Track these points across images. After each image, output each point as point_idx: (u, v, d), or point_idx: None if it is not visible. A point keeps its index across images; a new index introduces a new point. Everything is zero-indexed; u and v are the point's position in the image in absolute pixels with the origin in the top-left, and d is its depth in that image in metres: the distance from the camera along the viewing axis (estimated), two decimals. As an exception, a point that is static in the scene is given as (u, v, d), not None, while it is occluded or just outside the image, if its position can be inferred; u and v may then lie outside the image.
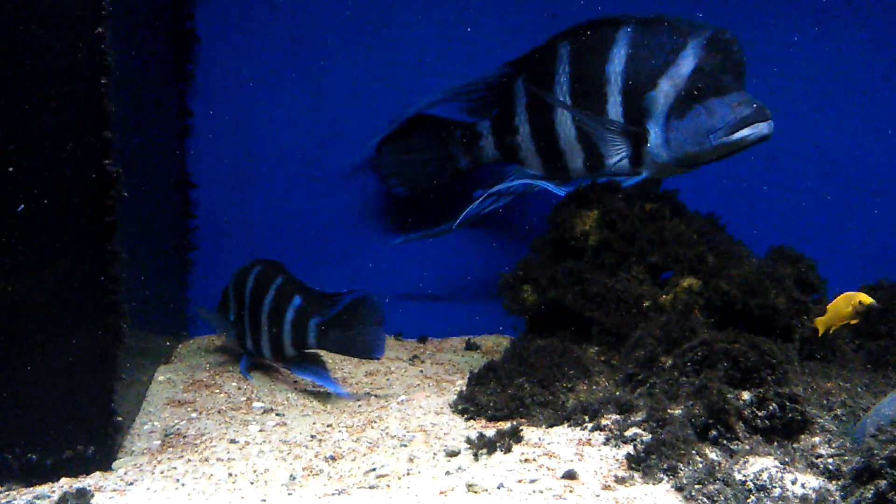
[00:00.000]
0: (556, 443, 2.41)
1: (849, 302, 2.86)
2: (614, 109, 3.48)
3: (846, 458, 2.16)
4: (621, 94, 3.45)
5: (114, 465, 2.49)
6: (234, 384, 3.37)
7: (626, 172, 3.51)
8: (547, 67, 3.68)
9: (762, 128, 3.13)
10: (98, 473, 2.43)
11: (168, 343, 3.87)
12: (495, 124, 3.94)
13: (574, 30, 3.63)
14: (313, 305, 3.42)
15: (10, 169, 2.32)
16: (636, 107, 3.42)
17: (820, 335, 2.98)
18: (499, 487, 2.08)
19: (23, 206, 2.34)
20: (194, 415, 2.99)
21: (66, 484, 2.34)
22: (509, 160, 3.95)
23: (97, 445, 2.46)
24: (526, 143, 3.82)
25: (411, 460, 2.39)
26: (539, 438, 2.45)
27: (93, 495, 2.17)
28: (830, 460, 2.16)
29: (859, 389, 2.71)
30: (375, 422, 2.83)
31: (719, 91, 3.20)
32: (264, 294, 3.53)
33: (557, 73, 3.64)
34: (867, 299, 2.80)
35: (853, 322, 2.87)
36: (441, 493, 2.09)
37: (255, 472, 2.38)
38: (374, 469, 2.34)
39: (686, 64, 3.27)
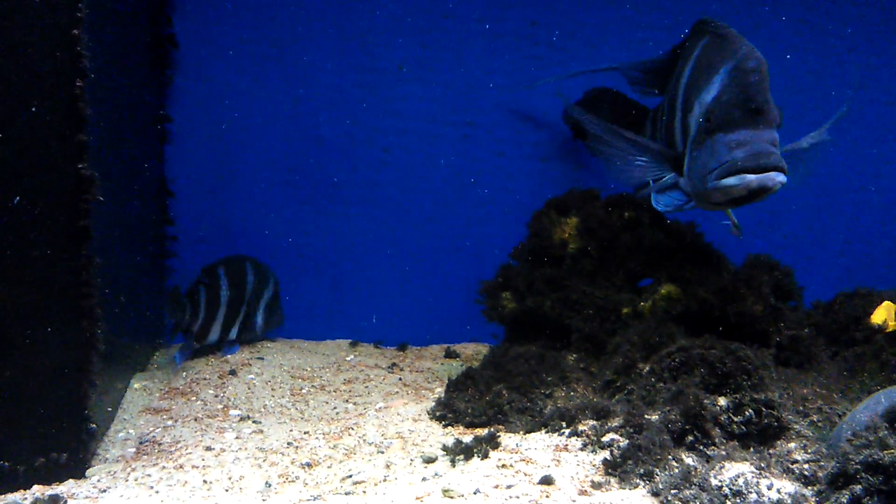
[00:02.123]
0: (534, 448, 2.40)
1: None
2: (678, 126, 3.14)
3: (822, 463, 2.16)
4: (681, 111, 3.12)
5: (87, 472, 2.46)
6: (210, 392, 3.34)
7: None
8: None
9: (749, 180, 2.63)
10: (71, 481, 2.40)
11: (144, 350, 3.83)
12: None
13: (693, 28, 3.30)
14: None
15: (-17, 172, 2.30)
16: (685, 127, 3.07)
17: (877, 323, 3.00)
18: (475, 493, 2.07)
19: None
20: (170, 422, 2.96)
21: (38, 491, 2.31)
22: None
23: (70, 452, 2.43)
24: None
25: (388, 467, 2.38)
26: (516, 444, 2.44)
27: (65, 502, 2.14)
28: (806, 466, 2.17)
29: (835, 396, 2.72)
30: (353, 429, 2.82)
31: (727, 126, 2.72)
32: None
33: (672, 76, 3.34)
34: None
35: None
36: (417, 498, 2.08)
37: (230, 479, 2.36)
38: (350, 476, 2.32)
39: (713, 90, 2.86)
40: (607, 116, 3.47)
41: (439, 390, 3.37)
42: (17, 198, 2.33)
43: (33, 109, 2.32)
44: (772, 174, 2.62)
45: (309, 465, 2.46)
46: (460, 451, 2.37)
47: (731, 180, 2.67)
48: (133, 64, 3.44)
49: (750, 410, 2.30)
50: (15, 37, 2.30)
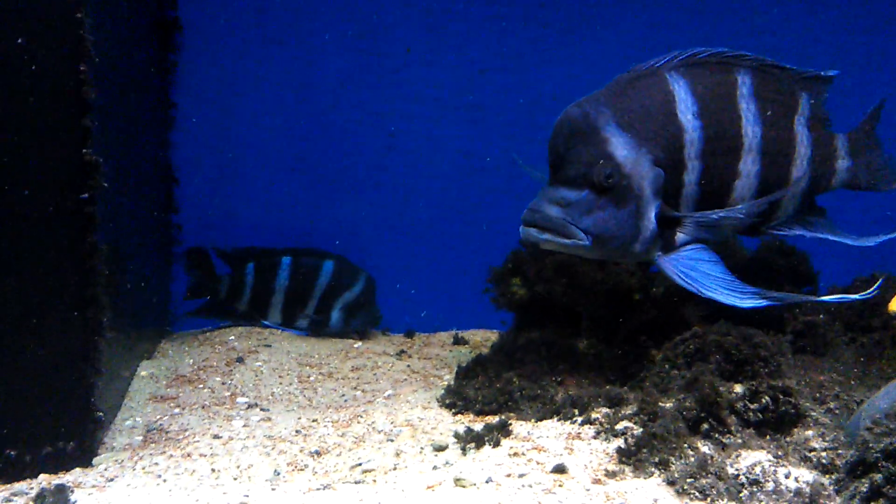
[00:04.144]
0: (546, 437, 2.36)
1: None
2: None
3: (840, 451, 2.13)
4: None
5: (94, 461, 2.43)
6: (217, 379, 3.32)
7: None
8: None
9: (520, 231, 2.70)
10: (78, 469, 2.37)
11: (151, 338, 3.81)
12: None
13: None
14: None
15: (-14, 158, 2.26)
16: None
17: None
18: (487, 482, 2.04)
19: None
20: (177, 410, 2.94)
21: (44, 480, 2.28)
22: None
23: (77, 441, 2.40)
24: None
25: (398, 455, 2.35)
26: (528, 432, 2.41)
27: (72, 491, 2.11)
28: (824, 454, 2.14)
29: (853, 382, 2.67)
30: (361, 416, 2.78)
31: None
32: None
33: None
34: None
35: None
36: (428, 487, 2.04)
37: (238, 467, 2.33)
38: (359, 464, 2.29)
39: None
40: None
41: (448, 377, 3.34)
42: (20, 184, 2.29)
43: (35, 94, 2.28)
44: (529, 229, 2.66)
45: (318, 453, 2.43)
46: (471, 440, 2.33)
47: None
48: (138, 48, 3.40)
49: (766, 398, 2.26)
50: (18, 20, 2.25)
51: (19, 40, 2.25)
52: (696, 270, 2.72)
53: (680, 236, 2.77)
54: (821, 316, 3.02)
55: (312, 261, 4.22)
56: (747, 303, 2.61)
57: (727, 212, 2.75)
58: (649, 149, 2.67)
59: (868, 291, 2.74)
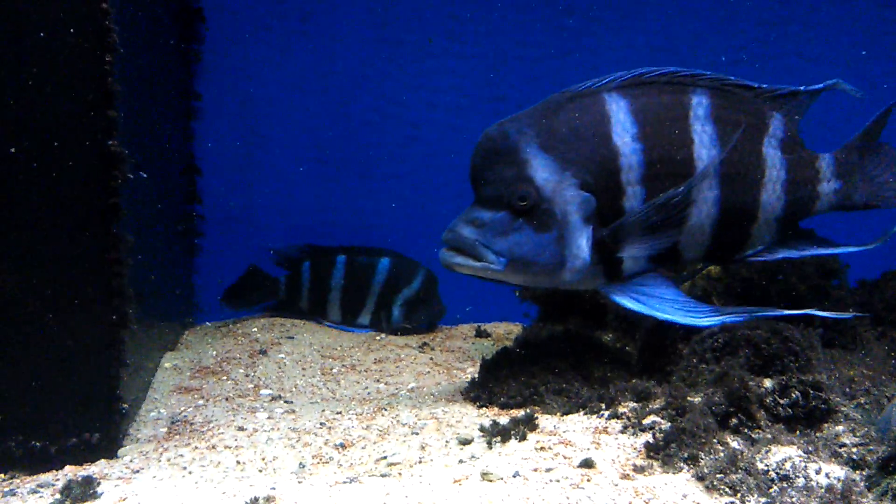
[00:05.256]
0: (572, 431, 2.35)
1: None
2: None
3: (871, 447, 2.09)
4: None
5: (119, 452, 2.44)
6: (241, 371, 3.32)
7: None
8: None
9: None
10: (103, 461, 2.37)
11: (174, 330, 3.82)
12: None
13: None
14: None
15: (11, 150, 2.25)
16: None
17: None
18: (514, 476, 2.02)
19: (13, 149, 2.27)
20: (201, 402, 2.94)
21: (70, 472, 2.29)
22: None
23: (102, 433, 2.41)
24: None
25: (423, 448, 2.34)
26: (554, 426, 2.39)
27: (98, 483, 2.11)
28: (855, 450, 2.10)
29: (883, 378, 2.63)
30: (385, 409, 2.78)
31: None
32: None
33: None
34: None
35: None
36: (455, 481, 2.03)
37: (263, 459, 2.32)
38: (385, 457, 2.28)
39: None
40: None
41: (471, 370, 3.33)
42: (46, 176, 2.28)
43: (61, 85, 2.28)
44: (444, 252, 2.67)
45: (343, 445, 2.42)
46: (497, 433, 2.32)
47: None
48: (162, 38, 3.39)
49: (797, 392, 2.23)
50: (43, 11, 2.25)
51: (44, 31, 2.24)
52: (648, 295, 2.63)
53: (628, 266, 2.66)
54: (850, 309, 2.98)
55: (368, 259, 4.27)
56: (705, 321, 2.53)
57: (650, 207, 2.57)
58: (575, 172, 2.56)
59: (846, 314, 2.69)
